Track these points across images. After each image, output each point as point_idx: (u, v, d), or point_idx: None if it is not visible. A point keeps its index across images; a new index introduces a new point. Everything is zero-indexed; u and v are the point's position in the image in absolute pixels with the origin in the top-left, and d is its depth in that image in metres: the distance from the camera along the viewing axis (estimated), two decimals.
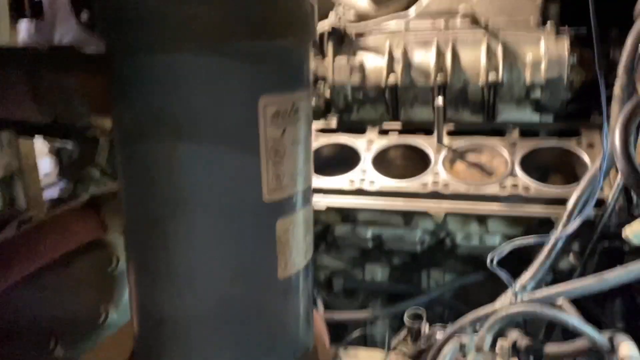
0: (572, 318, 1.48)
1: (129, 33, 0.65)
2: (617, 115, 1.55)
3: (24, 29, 2.54)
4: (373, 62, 2.07)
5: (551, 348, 1.58)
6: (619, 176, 1.62)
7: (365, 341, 2.05)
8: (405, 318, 1.77)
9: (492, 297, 1.68)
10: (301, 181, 0.73)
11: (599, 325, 1.74)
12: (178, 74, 0.65)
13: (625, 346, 1.36)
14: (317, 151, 2.09)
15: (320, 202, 1.93)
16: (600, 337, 1.42)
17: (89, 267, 1.15)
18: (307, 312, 0.79)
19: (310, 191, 0.77)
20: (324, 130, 2.18)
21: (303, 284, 0.77)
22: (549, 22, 1.93)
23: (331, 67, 2.08)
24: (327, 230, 1.99)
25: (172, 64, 0.64)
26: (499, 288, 1.66)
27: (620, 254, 1.69)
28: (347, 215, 1.96)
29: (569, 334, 1.53)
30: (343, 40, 2.11)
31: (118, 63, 0.69)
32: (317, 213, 1.96)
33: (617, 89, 1.63)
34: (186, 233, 0.69)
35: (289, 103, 0.69)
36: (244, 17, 0.63)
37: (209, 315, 0.71)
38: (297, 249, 0.74)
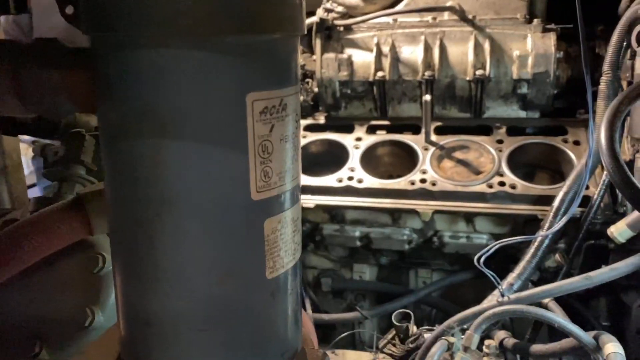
0: (558, 317, 1.48)
1: (114, 28, 0.63)
2: (602, 112, 1.56)
3: (7, 23, 2.50)
4: (361, 58, 2.06)
5: (537, 347, 1.59)
6: (605, 174, 1.63)
7: (354, 342, 2.05)
8: (393, 319, 1.77)
9: (479, 296, 1.68)
10: (289, 179, 0.72)
11: (584, 323, 1.76)
12: (165, 70, 0.63)
13: (611, 346, 1.37)
14: (305, 148, 2.09)
15: (309, 200, 1.92)
16: (586, 337, 1.42)
17: (74, 268, 1.13)
18: (295, 312, 0.78)
19: (298, 189, 0.75)
20: (312, 127, 2.18)
21: (291, 284, 0.76)
22: (535, 18, 1.94)
23: (319, 63, 2.08)
24: (315, 229, 1.99)
25: (158, 59, 0.63)
26: (486, 287, 1.66)
27: (605, 252, 1.71)
28: (335, 214, 1.96)
29: (556, 332, 1.54)
30: (331, 36, 2.11)
31: (103, 58, 0.67)
32: (305, 212, 1.95)
33: (602, 86, 1.64)
34: (173, 232, 0.67)
35: (277, 99, 0.68)
36: (231, 12, 0.62)
37: (197, 316, 0.70)
38: (285, 248, 0.72)
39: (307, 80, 2.20)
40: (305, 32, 0.75)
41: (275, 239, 0.71)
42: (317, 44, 2.08)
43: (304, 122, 2.19)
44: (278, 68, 0.69)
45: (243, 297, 0.70)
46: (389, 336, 1.83)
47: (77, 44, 0.80)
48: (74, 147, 1.41)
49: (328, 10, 2.09)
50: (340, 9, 2.10)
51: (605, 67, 1.65)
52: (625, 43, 1.63)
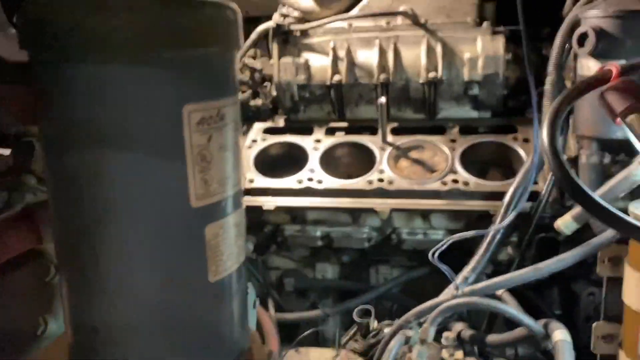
0: (510, 308, 1.55)
1: (52, 44, 0.65)
2: (547, 111, 1.62)
3: None
4: (318, 62, 2.09)
5: (493, 338, 1.65)
6: None
7: (317, 339, 2.08)
8: (355, 315, 1.81)
9: (438, 290, 1.73)
10: (230, 186, 0.74)
11: (537, 312, 1.82)
12: (102, 84, 0.65)
13: (559, 333, 1.44)
14: (265, 150, 2.11)
15: (270, 202, 1.94)
16: (536, 325, 1.49)
17: (25, 277, 1.13)
18: (241, 313, 0.81)
19: (240, 195, 0.78)
20: (271, 130, 2.20)
21: (236, 286, 0.78)
22: (485, 21, 2.00)
23: (277, 67, 2.10)
24: (276, 231, 2.01)
25: (95, 74, 0.65)
26: (444, 281, 1.71)
27: (555, 244, 1.78)
28: (296, 215, 1.98)
29: (512, 322, 1.60)
30: (288, 40, 2.13)
31: (41, 73, 0.69)
32: (266, 214, 1.98)
33: (547, 86, 1.71)
34: (115, 241, 0.69)
35: (214, 110, 0.70)
36: (166, 28, 0.64)
37: (142, 321, 0.72)
38: (228, 252, 0.75)
39: (265, 84, 2.22)
40: (241, 46, 0.77)
41: (217, 244, 0.74)
42: (274, 48, 2.10)
43: (263, 125, 2.21)
44: (214, 80, 0.71)
45: (187, 301, 0.73)
46: (351, 332, 1.87)
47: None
48: (24, 156, 1.40)
49: (284, 15, 2.12)
50: (296, 13, 2.13)
51: (550, 67, 1.71)
52: (567, 45, 1.70)
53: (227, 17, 0.71)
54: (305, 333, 1.95)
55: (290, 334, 2.01)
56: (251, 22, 2.30)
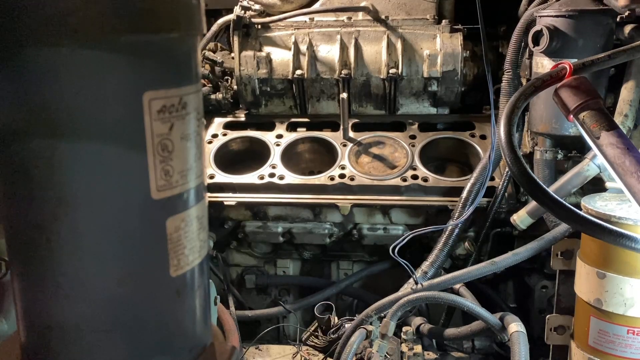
0: (468, 302, 1.58)
1: (2, 25, 0.61)
2: (504, 108, 1.66)
3: None
4: (279, 56, 2.08)
5: (451, 331, 1.69)
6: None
7: (279, 336, 2.07)
8: (315, 311, 1.81)
9: (398, 285, 1.75)
10: (193, 177, 0.72)
11: (494, 306, 1.87)
12: (56, 69, 0.62)
13: (514, 325, 1.48)
14: (226, 145, 2.08)
15: (231, 198, 1.92)
16: (492, 318, 1.53)
17: None
18: (203, 308, 0.79)
19: (203, 187, 0.76)
20: (232, 125, 2.17)
21: (198, 280, 0.76)
22: (444, 19, 2.04)
23: (238, 60, 2.07)
24: (238, 227, 1.99)
25: (49, 58, 0.61)
26: (404, 275, 1.74)
27: (511, 238, 1.83)
28: (257, 211, 1.97)
29: (469, 316, 1.64)
30: (249, 34, 2.11)
31: None
32: (227, 210, 1.95)
33: (504, 83, 1.76)
34: (71, 235, 0.66)
35: (176, 98, 0.68)
36: (124, 11, 0.62)
37: (99, 317, 0.69)
38: (190, 246, 0.73)
39: (226, 77, 2.19)
40: (205, 32, 0.75)
41: (179, 237, 0.71)
42: (235, 41, 2.07)
43: (224, 120, 2.18)
44: (176, 67, 0.69)
45: (147, 296, 0.70)
46: (312, 328, 1.87)
47: None
48: None
49: (245, 8, 2.09)
50: (257, 6, 2.10)
51: (506, 65, 1.76)
52: (523, 43, 1.74)
53: (189, 2, 0.69)
54: (266, 330, 1.94)
55: (251, 331, 1.99)
56: (211, 15, 2.26)
